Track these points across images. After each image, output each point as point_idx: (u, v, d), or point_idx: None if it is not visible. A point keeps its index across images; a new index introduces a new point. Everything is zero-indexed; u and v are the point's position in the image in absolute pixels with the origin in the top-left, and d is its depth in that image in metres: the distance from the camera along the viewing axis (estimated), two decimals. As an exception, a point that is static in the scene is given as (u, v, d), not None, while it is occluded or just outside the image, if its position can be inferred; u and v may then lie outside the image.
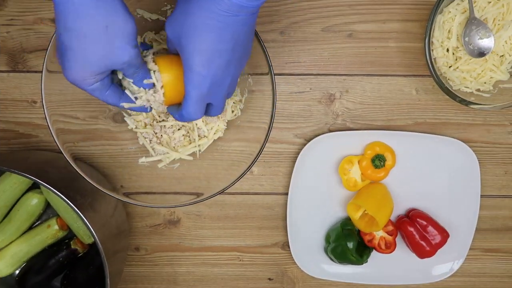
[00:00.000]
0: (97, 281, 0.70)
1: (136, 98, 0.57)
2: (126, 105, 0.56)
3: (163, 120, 0.70)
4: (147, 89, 0.56)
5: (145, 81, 0.55)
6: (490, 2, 0.68)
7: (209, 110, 0.57)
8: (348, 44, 0.74)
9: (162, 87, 0.56)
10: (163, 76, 0.56)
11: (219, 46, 0.50)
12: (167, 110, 0.59)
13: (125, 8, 0.49)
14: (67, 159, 0.61)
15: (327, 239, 0.77)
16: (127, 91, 0.56)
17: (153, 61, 0.56)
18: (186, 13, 0.50)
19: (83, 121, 0.66)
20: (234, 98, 0.69)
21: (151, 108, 0.58)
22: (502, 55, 0.70)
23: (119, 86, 0.56)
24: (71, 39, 0.48)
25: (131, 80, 0.54)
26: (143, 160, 0.70)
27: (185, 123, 0.70)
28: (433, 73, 0.66)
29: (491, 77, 0.70)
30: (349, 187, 0.75)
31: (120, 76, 0.56)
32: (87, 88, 0.52)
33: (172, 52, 0.57)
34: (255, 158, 0.63)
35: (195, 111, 0.54)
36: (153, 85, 0.56)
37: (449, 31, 0.69)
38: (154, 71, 0.56)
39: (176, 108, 0.57)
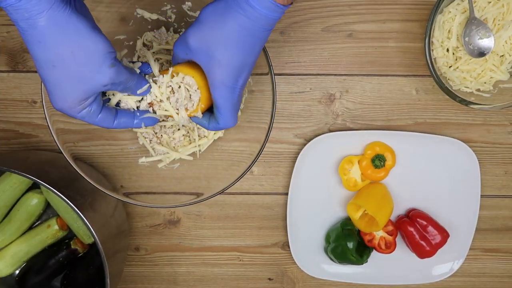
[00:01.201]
0: (97, 281, 0.70)
1: (139, 109, 0.56)
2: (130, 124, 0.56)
3: (163, 120, 0.70)
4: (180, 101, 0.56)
5: (139, 91, 0.54)
6: (490, 2, 0.68)
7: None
8: (348, 44, 0.74)
9: (197, 89, 0.55)
10: (196, 79, 0.55)
11: (249, 59, 0.52)
12: (193, 120, 0.59)
13: (91, 28, 0.46)
14: (67, 159, 0.61)
15: (327, 239, 0.77)
16: (125, 104, 0.56)
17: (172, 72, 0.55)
18: (220, 28, 0.50)
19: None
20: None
21: (157, 120, 0.58)
22: (502, 55, 0.70)
23: (111, 106, 0.55)
24: (44, 70, 0.46)
25: (126, 94, 0.54)
26: (143, 160, 0.70)
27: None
28: (433, 73, 0.66)
29: (491, 77, 0.70)
30: (349, 187, 0.75)
31: (114, 100, 0.55)
32: (76, 116, 0.50)
33: (180, 62, 0.57)
34: (255, 158, 0.63)
35: (233, 119, 0.56)
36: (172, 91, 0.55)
37: (449, 31, 0.69)
38: (183, 78, 0.55)
39: (208, 119, 0.57)
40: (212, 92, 0.54)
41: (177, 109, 0.57)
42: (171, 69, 0.56)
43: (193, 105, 0.56)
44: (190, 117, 0.58)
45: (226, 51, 0.51)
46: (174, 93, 0.56)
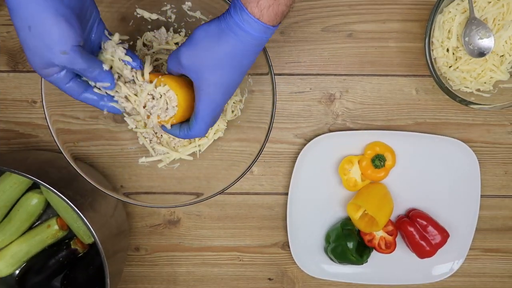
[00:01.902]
0: (97, 281, 0.70)
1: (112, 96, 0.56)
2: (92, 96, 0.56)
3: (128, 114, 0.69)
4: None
5: (99, 84, 0.54)
6: (490, 2, 0.68)
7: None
8: (348, 44, 0.74)
9: (176, 106, 0.56)
10: (178, 98, 0.56)
11: (238, 79, 0.54)
12: (164, 129, 0.59)
13: (59, 13, 0.48)
14: (67, 159, 0.61)
15: (327, 239, 0.77)
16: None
17: (160, 81, 0.56)
18: (210, 50, 0.52)
19: (83, 121, 0.66)
20: (234, 98, 0.69)
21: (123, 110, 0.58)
22: (502, 55, 0.70)
23: (83, 81, 0.55)
24: (17, 32, 0.49)
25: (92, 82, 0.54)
26: (143, 160, 0.70)
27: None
28: (433, 73, 0.66)
29: (491, 77, 0.70)
30: (349, 187, 0.75)
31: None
32: (47, 78, 0.52)
33: (173, 74, 0.57)
34: (255, 158, 0.63)
35: (205, 131, 0.58)
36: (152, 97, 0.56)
37: (449, 31, 0.69)
38: (167, 91, 0.56)
39: (178, 128, 0.59)
40: (196, 103, 0.55)
41: (150, 113, 0.57)
42: (159, 78, 0.56)
43: (165, 116, 0.57)
44: (160, 125, 0.59)
45: (218, 71, 0.53)
46: (153, 98, 0.57)
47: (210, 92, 0.54)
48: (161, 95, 0.56)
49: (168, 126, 0.58)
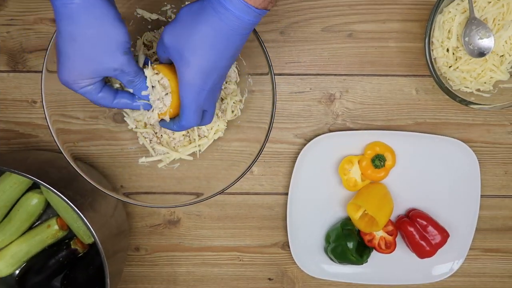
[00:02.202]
0: (97, 281, 0.70)
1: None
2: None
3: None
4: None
5: (144, 93, 0.56)
6: (490, 2, 0.68)
7: (203, 117, 0.58)
8: (348, 44, 0.74)
9: (170, 93, 0.56)
10: (171, 83, 0.56)
11: (220, 63, 0.52)
12: (160, 124, 0.60)
13: (117, 16, 0.50)
14: (67, 159, 0.61)
15: (327, 239, 0.77)
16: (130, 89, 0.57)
17: (153, 69, 0.56)
18: (192, 28, 0.51)
19: (83, 121, 0.66)
20: (234, 98, 0.69)
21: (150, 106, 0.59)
22: (502, 55, 0.70)
23: (112, 87, 0.57)
24: (64, 42, 0.49)
25: (130, 90, 0.56)
26: (143, 160, 0.70)
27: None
28: (433, 73, 0.66)
29: (491, 77, 0.70)
30: (349, 187, 0.75)
31: (116, 85, 0.56)
32: (78, 90, 0.53)
33: (163, 61, 0.57)
34: (255, 158, 0.63)
35: (195, 119, 0.56)
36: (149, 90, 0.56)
37: (449, 31, 0.69)
38: (161, 78, 0.56)
39: (172, 120, 0.59)
40: (179, 90, 0.54)
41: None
42: (151, 65, 0.57)
43: (162, 107, 0.57)
44: (159, 121, 0.59)
45: (196, 51, 0.51)
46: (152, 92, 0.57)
47: (190, 74, 0.52)
48: (155, 84, 0.56)
49: (167, 118, 0.58)
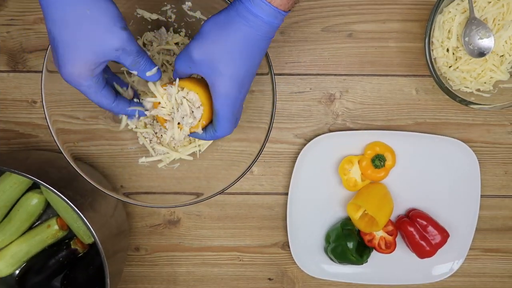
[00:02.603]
0: (97, 281, 0.70)
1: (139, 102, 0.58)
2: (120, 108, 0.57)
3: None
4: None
5: (148, 73, 0.54)
6: (490, 2, 0.68)
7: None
8: (348, 44, 0.74)
9: (200, 105, 0.56)
10: (200, 97, 0.56)
11: (252, 70, 0.53)
12: (193, 136, 0.60)
13: None
14: (67, 159, 0.61)
15: (327, 239, 0.77)
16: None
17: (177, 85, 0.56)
18: (223, 40, 0.50)
19: (83, 121, 0.66)
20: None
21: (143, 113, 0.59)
22: (502, 55, 0.70)
23: (113, 88, 0.57)
24: (59, 31, 0.48)
25: (135, 72, 0.53)
26: (143, 160, 0.70)
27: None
28: (433, 73, 0.66)
29: (491, 77, 0.70)
30: (349, 187, 0.75)
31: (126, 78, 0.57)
32: (84, 84, 0.51)
33: (183, 77, 0.57)
34: (255, 158, 0.63)
35: (230, 128, 0.57)
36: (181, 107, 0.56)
37: (449, 31, 0.69)
38: (187, 93, 0.56)
39: (204, 131, 0.58)
40: (214, 102, 0.54)
41: (179, 123, 0.58)
42: (177, 82, 0.56)
43: (194, 121, 0.57)
44: (190, 133, 0.59)
45: (230, 62, 0.51)
46: (178, 108, 0.57)
47: (226, 86, 0.52)
48: (181, 100, 0.56)
49: (200, 130, 0.58)
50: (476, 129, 0.76)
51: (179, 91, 0.56)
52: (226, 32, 0.50)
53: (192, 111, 0.57)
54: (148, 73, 0.54)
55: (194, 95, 0.56)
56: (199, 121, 0.57)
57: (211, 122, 0.59)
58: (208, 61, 0.52)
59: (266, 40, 0.51)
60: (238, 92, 0.53)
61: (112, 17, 0.48)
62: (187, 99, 0.56)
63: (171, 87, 0.56)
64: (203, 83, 0.57)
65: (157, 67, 0.55)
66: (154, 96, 0.57)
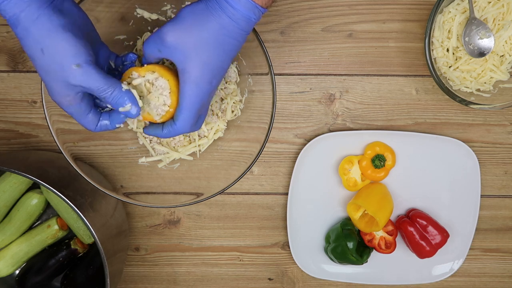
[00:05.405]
0: (97, 281, 0.70)
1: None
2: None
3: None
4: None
5: (121, 109, 0.51)
6: (490, 2, 0.68)
7: (196, 122, 0.56)
8: (348, 44, 0.74)
9: (169, 92, 0.54)
10: (169, 84, 0.54)
11: (225, 64, 0.52)
12: (145, 131, 0.58)
13: (62, 27, 0.47)
14: (67, 159, 0.61)
15: (327, 239, 0.77)
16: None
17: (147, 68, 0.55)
18: (199, 27, 0.50)
19: (83, 121, 0.66)
20: (234, 98, 0.69)
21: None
22: (502, 55, 0.70)
23: (98, 110, 0.54)
24: (32, 61, 0.48)
25: (108, 106, 0.52)
26: (143, 160, 0.70)
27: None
28: (433, 73, 0.66)
29: (491, 77, 0.70)
30: (349, 187, 0.75)
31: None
32: (66, 110, 0.51)
33: (153, 61, 0.55)
34: (255, 158, 0.63)
35: (190, 123, 0.54)
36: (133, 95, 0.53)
37: (449, 31, 0.69)
38: (156, 78, 0.54)
39: (161, 125, 0.56)
40: (181, 90, 0.52)
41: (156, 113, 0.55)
42: (145, 67, 0.55)
43: (164, 108, 0.55)
44: (144, 128, 0.57)
45: (205, 50, 0.50)
46: (149, 93, 0.54)
47: (197, 72, 0.51)
48: (152, 83, 0.54)
49: (160, 120, 0.56)
50: (476, 129, 0.76)
51: (148, 75, 0.54)
52: (204, 20, 0.50)
53: (163, 99, 0.54)
54: (121, 109, 0.51)
55: (162, 81, 0.54)
56: (168, 109, 0.54)
57: (172, 118, 0.56)
58: (182, 46, 0.50)
59: (242, 34, 0.51)
60: (208, 83, 0.52)
61: (65, 57, 0.47)
62: (156, 84, 0.54)
63: (137, 75, 0.54)
64: (173, 71, 0.55)
65: (130, 104, 0.51)
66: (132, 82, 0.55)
